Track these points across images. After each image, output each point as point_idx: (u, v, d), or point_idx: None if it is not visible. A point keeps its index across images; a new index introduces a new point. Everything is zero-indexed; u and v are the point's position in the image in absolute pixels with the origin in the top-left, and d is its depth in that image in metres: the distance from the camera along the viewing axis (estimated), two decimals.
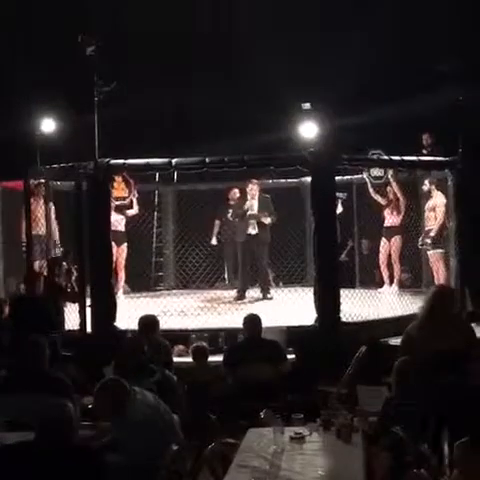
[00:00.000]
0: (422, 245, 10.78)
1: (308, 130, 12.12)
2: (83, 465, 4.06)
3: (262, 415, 5.63)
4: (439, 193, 10.58)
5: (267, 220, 10.89)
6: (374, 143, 10.37)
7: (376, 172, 10.99)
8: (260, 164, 9.56)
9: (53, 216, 10.35)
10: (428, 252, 10.74)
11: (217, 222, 12.40)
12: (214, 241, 12.40)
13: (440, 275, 10.54)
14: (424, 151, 11.07)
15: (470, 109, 10.41)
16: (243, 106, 13.33)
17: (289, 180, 12.19)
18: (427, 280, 11.26)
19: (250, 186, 11.03)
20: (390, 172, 10.89)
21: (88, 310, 8.96)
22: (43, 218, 10.05)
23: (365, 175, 11.14)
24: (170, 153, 9.38)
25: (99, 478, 4.08)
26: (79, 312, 8.94)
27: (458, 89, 10.39)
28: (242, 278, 11.16)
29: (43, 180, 10.13)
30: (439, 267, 10.54)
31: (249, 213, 10.97)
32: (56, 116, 11.77)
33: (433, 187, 10.68)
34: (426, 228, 10.76)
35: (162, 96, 12.95)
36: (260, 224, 10.93)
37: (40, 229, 9.98)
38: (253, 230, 10.93)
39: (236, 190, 12.00)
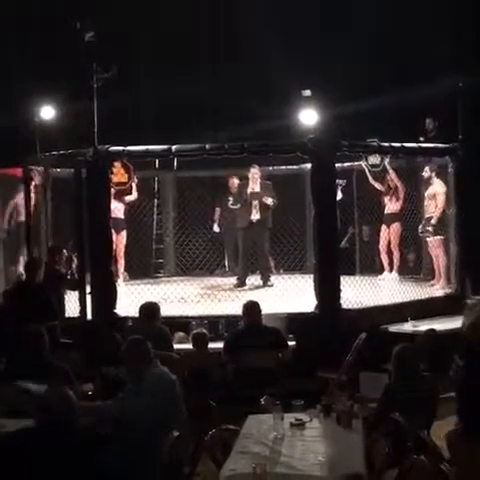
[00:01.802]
0: (422, 232, 10.77)
1: (308, 117, 12.09)
2: (85, 450, 4.07)
3: (262, 401, 5.65)
4: (438, 180, 10.56)
5: (269, 200, 10.85)
6: (374, 130, 10.37)
7: (373, 160, 10.97)
8: (260, 151, 9.55)
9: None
10: (428, 239, 10.73)
11: (217, 209, 12.38)
12: (216, 228, 12.39)
13: (440, 262, 10.54)
14: (428, 135, 11.02)
15: (470, 95, 10.37)
16: (243, 93, 13.29)
17: (289, 167, 12.16)
18: (426, 267, 11.26)
19: (252, 171, 11.00)
20: (387, 160, 10.88)
21: (88, 297, 8.97)
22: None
23: (363, 163, 11.13)
24: (170, 140, 9.36)
25: (101, 464, 4.10)
26: (79, 299, 8.95)
27: (458, 75, 10.34)
28: (242, 265, 11.16)
29: (42, 167, 10.12)
30: (439, 254, 10.54)
31: (250, 191, 10.94)
32: (55, 103, 11.72)
33: (433, 174, 10.66)
34: (426, 215, 10.74)
35: (162, 84, 12.89)
36: (262, 208, 10.88)
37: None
38: (256, 215, 10.89)
39: (235, 179, 11.98)
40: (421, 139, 10.84)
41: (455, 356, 6.54)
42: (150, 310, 7.68)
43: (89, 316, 8.89)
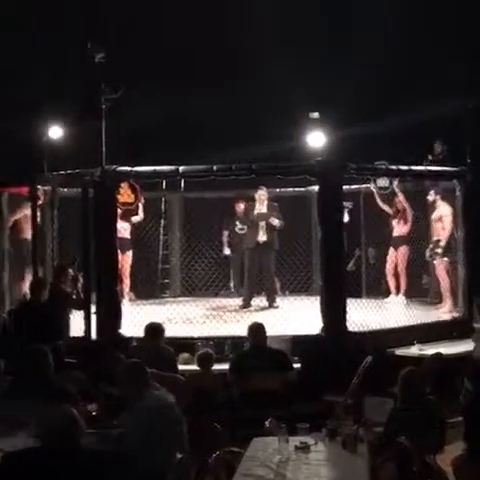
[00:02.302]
0: (431, 256, 10.74)
1: (316, 139, 12.12)
2: (89, 470, 4.05)
3: (267, 424, 5.60)
4: (443, 203, 10.56)
5: (275, 221, 10.85)
6: (382, 152, 10.37)
7: (382, 182, 11.00)
8: (268, 172, 9.55)
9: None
10: (435, 261, 10.70)
11: (225, 232, 12.40)
12: (227, 251, 12.40)
13: (446, 285, 10.50)
14: (435, 159, 11.00)
15: (479, 118, 10.38)
16: (251, 115, 13.34)
17: (296, 189, 12.17)
18: (434, 291, 11.22)
19: (259, 192, 11.02)
20: (395, 182, 10.89)
21: (93, 317, 8.95)
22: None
23: (372, 186, 11.14)
24: (178, 161, 9.38)
25: None
26: (84, 319, 8.93)
27: (466, 97, 10.35)
28: (248, 286, 11.14)
29: (50, 186, 10.15)
30: (445, 277, 10.49)
31: (257, 212, 10.94)
32: (63, 123, 11.77)
33: (438, 197, 10.66)
34: (434, 238, 10.72)
35: (170, 105, 12.95)
36: (269, 229, 10.88)
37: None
38: (263, 236, 10.89)
39: (241, 203, 12.01)
40: (429, 159, 10.82)
41: (465, 379, 6.48)
42: (155, 330, 7.66)
43: (94, 336, 8.86)
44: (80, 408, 5.47)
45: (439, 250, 10.51)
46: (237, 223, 12.01)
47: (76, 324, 9.02)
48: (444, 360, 8.05)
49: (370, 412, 6.09)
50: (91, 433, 5.03)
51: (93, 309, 9.01)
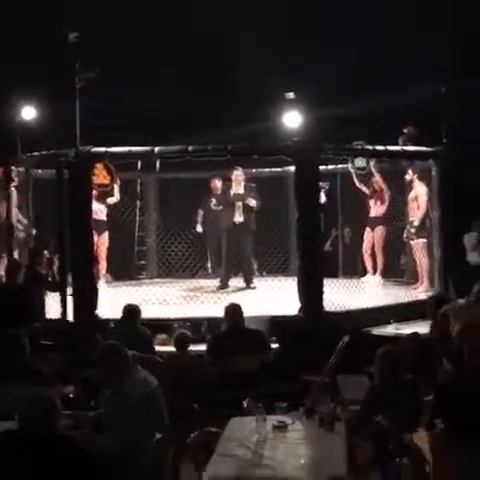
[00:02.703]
0: (407, 236, 10.79)
1: (292, 119, 12.10)
2: (66, 454, 4.03)
3: (245, 404, 5.61)
4: (420, 183, 10.60)
5: (252, 202, 10.82)
6: (357, 134, 10.37)
7: (359, 163, 11.01)
8: (243, 153, 9.53)
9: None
10: (411, 242, 10.76)
11: (200, 211, 12.34)
12: (199, 228, 12.33)
13: (423, 265, 10.56)
14: (408, 143, 11.01)
15: (453, 100, 10.41)
16: (226, 95, 13.26)
17: (273, 169, 12.14)
18: (410, 270, 11.28)
19: (235, 173, 10.97)
20: (372, 162, 10.91)
21: (70, 299, 8.90)
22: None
23: (349, 166, 11.15)
24: (152, 142, 9.32)
25: (82, 466, 4.05)
26: (60, 301, 8.88)
27: (441, 81, 10.38)
28: (225, 267, 11.12)
29: (24, 168, 10.05)
30: (422, 257, 10.56)
31: (234, 192, 10.91)
32: (37, 103, 11.64)
33: (415, 177, 10.69)
34: (409, 218, 10.77)
35: (145, 86, 12.85)
36: (245, 210, 10.85)
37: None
38: (239, 217, 10.87)
39: (218, 181, 11.95)
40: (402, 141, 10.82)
41: (444, 360, 6.52)
42: (131, 312, 7.65)
43: (70, 318, 8.81)
44: (57, 390, 5.45)
45: (413, 230, 10.58)
46: (212, 200, 11.95)
47: (52, 306, 8.98)
48: (421, 339, 8.11)
49: (345, 391, 6.11)
50: (68, 415, 5.03)
51: (69, 291, 8.95)
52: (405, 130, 10.59)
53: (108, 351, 5.21)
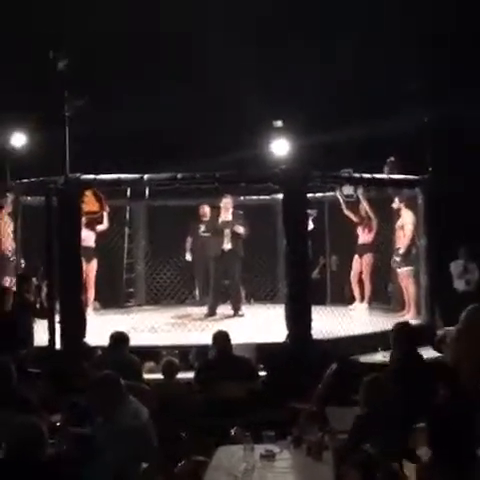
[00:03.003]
0: (393, 264, 10.85)
1: (280, 147, 12.20)
2: None
3: (232, 432, 5.60)
4: (407, 211, 10.67)
5: (240, 229, 10.87)
6: (344, 161, 10.45)
7: (347, 190, 11.08)
8: (231, 180, 9.57)
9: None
10: (398, 270, 10.81)
11: (189, 239, 12.37)
12: (188, 256, 12.35)
13: (409, 292, 10.60)
14: (393, 171, 11.06)
15: (440, 128, 10.52)
16: (215, 124, 13.35)
17: (261, 197, 12.20)
18: (396, 298, 11.31)
19: (224, 200, 11.02)
20: (360, 190, 10.98)
21: (57, 326, 8.87)
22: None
23: (337, 193, 11.23)
24: (141, 169, 9.36)
25: None
26: (48, 328, 8.84)
27: (427, 109, 10.49)
28: (213, 294, 11.13)
29: (13, 194, 10.06)
30: (408, 284, 10.60)
31: (222, 220, 10.95)
32: (27, 130, 11.69)
33: (402, 205, 10.76)
34: (396, 246, 10.83)
35: (133, 114, 12.92)
36: (234, 237, 10.89)
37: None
38: (228, 244, 10.90)
39: (206, 206, 12.00)
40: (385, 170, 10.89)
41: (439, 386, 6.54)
42: (119, 339, 7.63)
43: (58, 345, 8.78)
44: (44, 418, 5.42)
45: (398, 258, 10.64)
46: (201, 226, 11.99)
47: (40, 333, 8.95)
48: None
49: (334, 421, 6.10)
50: (53, 444, 5.01)
51: (57, 318, 8.93)
52: (390, 159, 10.68)
53: (103, 379, 5.27)
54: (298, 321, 8.72)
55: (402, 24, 12.99)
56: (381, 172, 10.47)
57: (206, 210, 12.01)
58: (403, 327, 7.03)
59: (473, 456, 4.02)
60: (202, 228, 11.94)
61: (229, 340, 7.55)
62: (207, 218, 11.88)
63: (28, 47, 12.77)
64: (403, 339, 6.85)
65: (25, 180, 9.78)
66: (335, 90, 12.97)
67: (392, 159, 10.62)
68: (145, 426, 5.15)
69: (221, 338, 7.56)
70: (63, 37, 11.54)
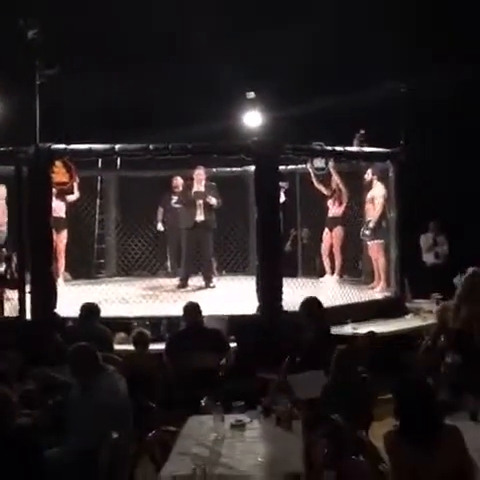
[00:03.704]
0: (363, 236, 10.90)
1: (252, 119, 12.16)
2: (21, 450, 4.04)
3: (203, 403, 5.65)
4: (379, 184, 10.68)
5: (212, 200, 10.85)
6: (316, 134, 10.44)
7: (318, 163, 11.10)
8: (204, 152, 9.54)
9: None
10: (368, 243, 10.87)
11: (160, 209, 12.33)
12: (160, 227, 12.31)
13: (379, 265, 10.68)
14: (363, 144, 11.06)
15: (412, 100, 10.54)
16: (187, 95, 13.27)
17: (233, 169, 12.18)
18: (366, 270, 11.40)
19: (197, 171, 10.99)
20: (331, 163, 10.99)
21: (28, 297, 8.83)
22: None
23: (308, 166, 11.23)
24: (113, 140, 9.30)
25: (38, 464, 4.06)
26: (19, 299, 8.80)
27: (400, 81, 10.49)
28: (185, 266, 11.14)
29: None
30: (378, 258, 10.68)
31: (194, 191, 10.93)
32: None
33: (375, 177, 10.78)
34: (366, 219, 10.88)
35: (105, 84, 12.78)
36: (206, 208, 10.88)
37: None
38: (201, 216, 10.89)
39: (179, 178, 11.95)
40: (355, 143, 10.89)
41: (447, 353, 6.64)
42: (90, 310, 7.64)
43: (28, 316, 8.76)
44: (14, 388, 5.43)
45: (368, 231, 10.68)
46: (173, 198, 11.95)
47: (10, 304, 8.91)
48: (377, 338, 8.23)
49: (299, 390, 6.13)
50: (25, 413, 5.02)
51: (28, 289, 8.89)
52: (360, 132, 10.67)
53: (81, 347, 5.39)
54: (269, 293, 8.76)
55: None
56: (352, 144, 10.48)
57: (179, 182, 11.95)
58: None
59: (437, 424, 4.10)
60: (174, 199, 11.89)
61: (200, 312, 7.58)
62: (179, 190, 11.84)
63: None
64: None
65: None
66: (310, 61, 12.92)
67: (362, 132, 10.62)
68: (122, 398, 5.21)
69: (192, 309, 7.60)
70: (32, 5, 11.34)
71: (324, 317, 7.44)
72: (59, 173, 10.51)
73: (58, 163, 10.15)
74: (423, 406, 4.07)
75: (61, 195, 10.98)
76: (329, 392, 5.76)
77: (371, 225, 10.61)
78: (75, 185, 11.24)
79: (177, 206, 11.66)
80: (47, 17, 9.79)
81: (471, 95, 12.51)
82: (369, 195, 10.78)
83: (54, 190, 9.82)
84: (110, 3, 13.35)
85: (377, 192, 10.62)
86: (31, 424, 4.87)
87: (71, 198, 11.36)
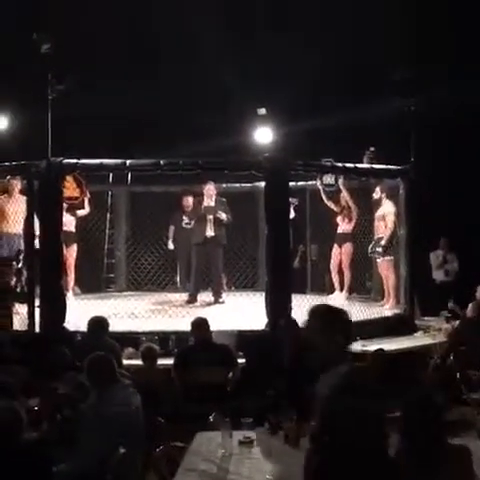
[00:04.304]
0: (372, 253, 10.88)
1: (263, 135, 12.19)
2: (30, 466, 4.03)
3: (211, 419, 5.62)
4: (388, 201, 10.68)
5: (223, 215, 10.87)
6: (327, 150, 10.46)
7: (328, 179, 11.09)
8: (215, 167, 9.57)
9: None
10: (378, 260, 10.85)
11: (171, 227, 12.35)
12: (171, 245, 12.32)
13: (389, 282, 10.65)
14: (373, 161, 11.04)
15: (422, 118, 10.55)
16: (198, 110, 13.32)
17: (243, 185, 12.19)
18: (376, 287, 11.37)
19: (207, 186, 11.01)
20: (341, 180, 11.00)
21: (37, 311, 8.85)
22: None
23: (318, 183, 11.23)
24: (125, 155, 9.34)
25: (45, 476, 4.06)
26: (28, 313, 8.83)
27: (409, 99, 10.50)
28: (195, 281, 11.13)
29: None
30: (388, 274, 10.65)
31: (205, 205, 10.94)
32: (9, 113, 11.60)
33: (383, 195, 10.78)
34: (376, 236, 10.85)
35: (118, 98, 12.86)
36: (216, 224, 10.89)
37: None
38: (211, 231, 10.90)
39: (190, 198, 11.97)
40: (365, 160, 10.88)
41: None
42: (99, 325, 7.64)
43: (38, 329, 8.77)
44: (22, 403, 5.42)
45: (379, 249, 10.66)
46: (184, 218, 11.98)
47: (19, 318, 8.92)
48: (386, 356, 8.19)
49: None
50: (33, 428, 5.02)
51: (37, 303, 8.90)
52: (370, 149, 10.67)
53: (99, 356, 5.47)
54: (278, 308, 8.75)
55: (386, 11, 12.96)
56: (361, 162, 10.49)
57: (190, 201, 11.98)
58: None
59: (442, 444, 4.07)
60: (185, 220, 11.92)
61: (208, 327, 7.58)
62: (190, 208, 11.85)
63: (11, 28, 12.67)
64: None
65: (7, 163, 9.71)
66: (320, 77, 12.95)
67: (372, 149, 10.63)
68: (134, 411, 5.23)
69: (200, 325, 7.59)
70: (47, 19, 11.44)
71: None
72: (70, 188, 10.56)
73: (69, 178, 10.21)
74: (428, 425, 4.05)
75: (71, 209, 11.03)
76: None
77: (383, 242, 10.59)
78: (86, 200, 11.29)
79: (188, 227, 11.70)
80: (60, 31, 9.89)
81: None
82: (380, 212, 10.77)
83: (64, 204, 9.87)
84: (122, 18, 13.44)
85: (388, 209, 10.61)
86: (40, 439, 4.90)
87: (81, 213, 11.40)
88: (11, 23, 12.84)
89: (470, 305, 8.83)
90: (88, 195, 11.25)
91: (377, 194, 10.88)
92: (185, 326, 8.23)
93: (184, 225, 11.89)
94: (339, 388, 4.69)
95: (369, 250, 10.89)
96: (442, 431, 4.09)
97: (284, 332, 7.43)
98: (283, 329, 7.48)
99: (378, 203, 10.91)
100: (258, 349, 8.28)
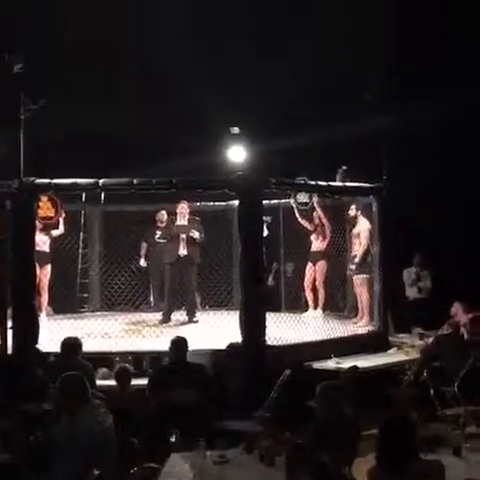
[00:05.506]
0: (348, 272, 10.93)
1: (236, 154, 12.22)
2: None
3: (185, 439, 5.60)
4: (363, 219, 10.74)
5: (196, 234, 10.87)
6: (300, 168, 10.51)
7: (302, 198, 11.14)
8: (188, 186, 9.57)
9: None
10: (353, 277, 10.89)
11: (144, 244, 12.32)
12: (143, 263, 12.29)
13: (363, 300, 10.69)
14: (346, 179, 11.10)
15: (394, 136, 10.64)
16: (172, 129, 13.33)
17: (217, 203, 12.21)
18: (350, 305, 11.41)
19: (180, 205, 11.03)
20: (315, 198, 11.04)
21: (10, 332, 8.76)
22: None
23: (291, 201, 11.26)
24: (98, 174, 9.31)
25: None
26: (0, 334, 8.73)
27: (382, 118, 10.59)
28: (168, 301, 11.11)
29: None
30: (362, 292, 10.69)
31: (178, 224, 10.94)
32: None
33: (359, 213, 10.84)
34: (352, 254, 10.91)
35: (90, 118, 12.83)
36: (189, 243, 10.89)
37: None
38: (184, 250, 10.89)
39: (164, 211, 11.97)
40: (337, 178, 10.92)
41: None
42: (72, 345, 7.58)
43: (10, 351, 8.68)
44: None
45: (353, 266, 10.72)
46: (157, 232, 11.96)
47: None
48: (360, 373, 8.21)
49: None
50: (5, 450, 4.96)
51: (9, 324, 8.82)
52: (342, 168, 10.73)
53: (71, 376, 5.42)
54: (252, 327, 8.73)
55: (361, 32, 13.08)
56: (335, 179, 10.55)
57: (163, 216, 11.97)
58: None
59: (414, 458, 4.10)
60: (158, 234, 11.90)
61: (186, 346, 7.57)
62: (164, 224, 11.85)
63: None
64: None
65: None
66: (293, 96, 13.02)
67: (344, 167, 10.69)
68: (107, 432, 5.18)
69: (177, 344, 7.58)
70: (17, 40, 11.41)
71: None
72: (45, 208, 10.49)
73: (44, 198, 10.16)
74: (401, 441, 4.08)
75: (45, 229, 10.96)
76: (316, 428, 5.71)
77: (356, 260, 10.64)
78: (61, 220, 11.23)
79: (161, 241, 11.67)
80: (31, 51, 9.86)
81: (453, 130, 12.65)
82: (355, 230, 10.82)
83: (38, 224, 9.81)
84: (96, 38, 13.44)
85: (363, 227, 10.66)
86: (11, 461, 4.84)
87: (56, 233, 11.33)
88: None
89: (446, 324, 8.94)
90: (63, 215, 11.18)
91: (353, 211, 10.93)
92: (159, 346, 8.21)
93: (157, 239, 11.85)
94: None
95: (347, 269, 10.95)
96: (412, 446, 4.12)
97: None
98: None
99: (353, 220, 10.96)
100: (233, 367, 8.27)
